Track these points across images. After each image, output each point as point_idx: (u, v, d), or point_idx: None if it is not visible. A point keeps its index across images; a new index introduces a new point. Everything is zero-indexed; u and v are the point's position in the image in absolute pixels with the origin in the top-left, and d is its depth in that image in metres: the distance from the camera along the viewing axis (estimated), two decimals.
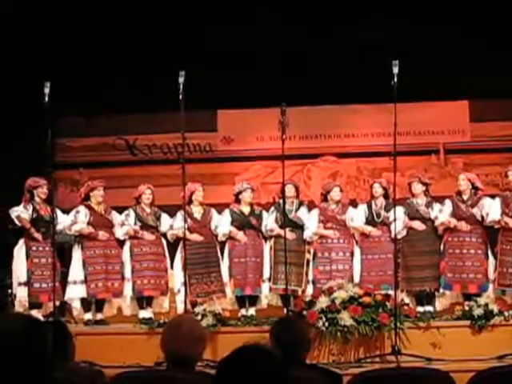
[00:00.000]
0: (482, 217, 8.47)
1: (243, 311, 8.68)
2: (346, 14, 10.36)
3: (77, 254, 8.75)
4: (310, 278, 8.72)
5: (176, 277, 8.75)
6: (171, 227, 8.79)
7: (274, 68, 10.62)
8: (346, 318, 7.59)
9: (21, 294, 8.49)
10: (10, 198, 8.85)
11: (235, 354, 2.46)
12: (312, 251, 8.79)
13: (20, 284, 8.51)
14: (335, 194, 8.91)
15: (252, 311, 8.68)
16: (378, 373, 4.35)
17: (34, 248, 8.55)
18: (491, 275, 8.38)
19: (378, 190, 8.83)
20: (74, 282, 8.68)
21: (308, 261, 8.78)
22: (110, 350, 7.61)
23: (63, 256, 9.05)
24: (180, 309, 8.40)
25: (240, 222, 8.82)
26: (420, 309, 8.35)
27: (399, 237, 8.47)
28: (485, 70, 10.25)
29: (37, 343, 2.67)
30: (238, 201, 8.94)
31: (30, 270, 8.48)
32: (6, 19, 9.68)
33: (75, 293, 8.67)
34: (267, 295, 8.82)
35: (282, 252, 8.17)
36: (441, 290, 8.53)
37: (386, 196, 8.80)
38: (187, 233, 8.32)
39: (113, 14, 10.21)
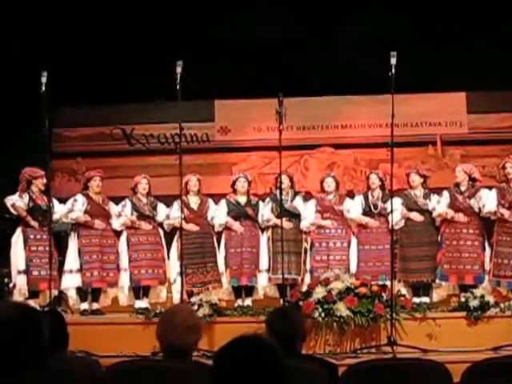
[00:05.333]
0: (479, 208, 8.47)
1: (239, 301, 8.68)
2: (344, 4, 10.34)
3: (73, 243, 8.74)
4: (308, 267, 8.73)
5: (172, 267, 8.75)
6: (168, 217, 8.80)
7: (272, 58, 10.60)
8: (342, 309, 7.59)
9: (20, 283, 8.49)
10: (7, 187, 8.83)
11: (232, 344, 2.45)
12: (309, 240, 8.79)
13: (19, 272, 8.49)
14: (326, 184, 8.92)
15: (248, 301, 8.68)
16: (374, 363, 4.36)
17: (31, 236, 8.54)
18: (488, 267, 8.39)
19: (374, 181, 8.83)
20: (70, 271, 8.67)
21: (306, 249, 8.78)
22: (107, 340, 7.60)
23: (60, 245, 9.04)
24: (176, 299, 8.41)
25: (236, 212, 8.81)
26: (416, 300, 8.35)
27: (397, 227, 8.47)
28: (482, 62, 10.25)
29: (32, 332, 2.68)
30: (234, 191, 8.95)
31: (29, 258, 8.48)
32: (2, 9, 9.66)
33: (71, 282, 8.67)
34: (264, 286, 8.82)
35: (280, 242, 8.17)
36: (437, 281, 8.54)
37: (382, 187, 8.80)
38: (183, 223, 8.31)
39: (110, 3, 10.18)
